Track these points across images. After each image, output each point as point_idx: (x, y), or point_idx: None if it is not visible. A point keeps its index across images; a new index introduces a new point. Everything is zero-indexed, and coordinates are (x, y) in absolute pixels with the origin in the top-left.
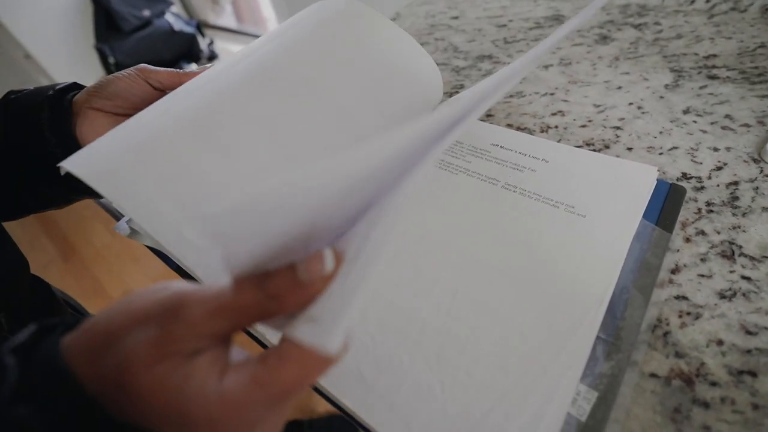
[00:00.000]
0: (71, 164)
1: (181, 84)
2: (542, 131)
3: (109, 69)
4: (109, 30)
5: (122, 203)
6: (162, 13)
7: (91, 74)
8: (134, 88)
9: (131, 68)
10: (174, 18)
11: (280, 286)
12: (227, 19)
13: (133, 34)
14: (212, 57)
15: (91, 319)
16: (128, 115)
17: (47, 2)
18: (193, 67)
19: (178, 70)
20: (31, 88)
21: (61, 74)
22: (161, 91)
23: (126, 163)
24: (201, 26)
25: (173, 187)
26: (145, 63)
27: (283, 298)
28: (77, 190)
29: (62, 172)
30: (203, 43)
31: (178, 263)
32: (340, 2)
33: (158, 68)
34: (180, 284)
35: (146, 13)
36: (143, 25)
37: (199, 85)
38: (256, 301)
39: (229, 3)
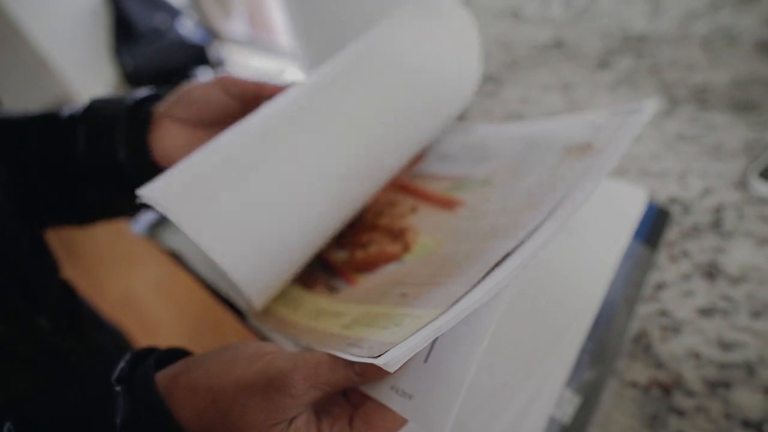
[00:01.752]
0: (148, 194)
1: (259, 95)
2: None
3: (126, 76)
4: (127, 38)
5: (197, 237)
6: (175, 22)
7: (104, 80)
8: (211, 98)
9: (212, 78)
10: (187, 28)
11: (364, 366)
12: (240, 28)
13: (149, 43)
14: (223, 66)
15: (185, 367)
16: (209, 126)
17: (64, 9)
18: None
19: (258, 80)
20: (113, 96)
21: (75, 80)
22: (241, 100)
23: (201, 195)
24: (213, 35)
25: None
26: (159, 70)
27: (366, 375)
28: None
29: (138, 201)
30: (215, 52)
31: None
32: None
33: (238, 78)
34: (279, 358)
35: (161, 22)
36: (156, 33)
37: (281, 110)
38: (347, 377)
39: (242, 12)
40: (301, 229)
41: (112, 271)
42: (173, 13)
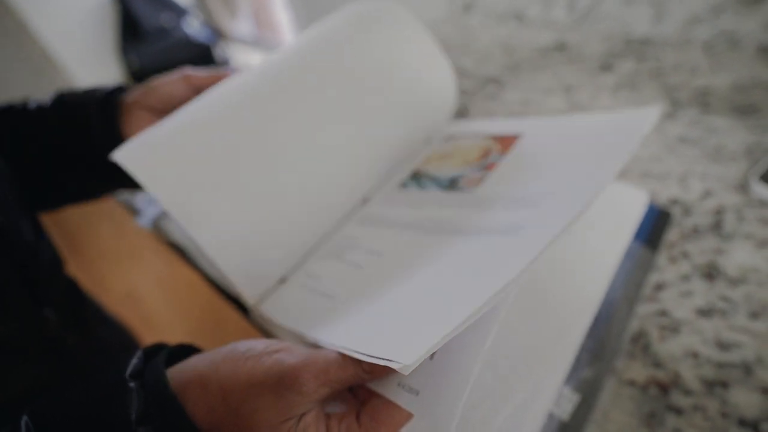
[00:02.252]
0: (121, 156)
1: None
2: None
3: (132, 74)
4: (133, 36)
5: (162, 196)
6: (180, 21)
7: (110, 78)
8: (175, 92)
9: (175, 73)
10: (193, 27)
11: (372, 364)
12: (245, 28)
13: (154, 42)
14: (229, 65)
15: (195, 364)
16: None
17: (71, 6)
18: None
19: (214, 72)
20: (83, 89)
21: (82, 78)
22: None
23: (166, 155)
24: (218, 34)
25: (213, 183)
26: (165, 69)
27: (374, 373)
28: (120, 182)
29: (117, 162)
30: (220, 52)
31: (199, 263)
32: (379, 5)
33: (200, 73)
34: (289, 355)
35: (167, 21)
36: (164, 33)
37: (230, 88)
38: (355, 374)
39: (247, 11)
40: (274, 198)
41: (115, 268)
42: (179, 12)
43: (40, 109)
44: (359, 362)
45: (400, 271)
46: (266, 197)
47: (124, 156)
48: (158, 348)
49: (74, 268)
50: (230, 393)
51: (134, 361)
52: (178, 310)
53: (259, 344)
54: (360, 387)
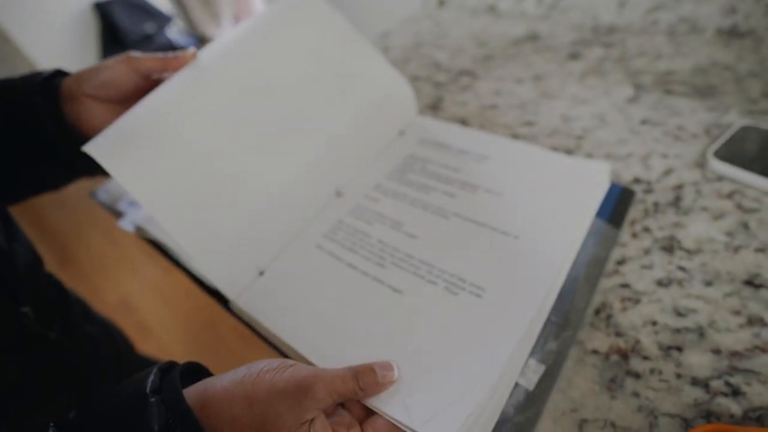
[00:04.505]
0: (93, 148)
1: (164, 69)
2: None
3: None
4: (114, 45)
5: (132, 188)
6: (163, 29)
7: None
8: (124, 78)
9: (118, 57)
10: (175, 33)
11: (367, 382)
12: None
13: (135, 48)
14: None
15: (214, 382)
16: (120, 103)
17: (53, 17)
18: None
19: (161, 55)
20: (17, 76)
21: None
22: (149, 78)
23: (136, 149)
24: (202, 41)
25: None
26: None
27: (366, 391)
28: (76, 170)
29: (91, 155)
30: None
31: (185, 263)
32: (311, 5)
33: (144, 55)
34: (302, 368)
35: (149, 28)
36: (146, 40)
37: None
38: (353, 389)
39: (230, 17)
40: (244, 191)
41: (109, 277)
42: (162, 19)
43: None
44: (356, 379)
45: (380, 272)
46: (235, 190)
47: (94, 149)
48: (171, 365)
49: (68, 280)
50: (256, 401)
51: (151, 378)
52: (173, 317)
53: (275, 362)
54: (355, 404)
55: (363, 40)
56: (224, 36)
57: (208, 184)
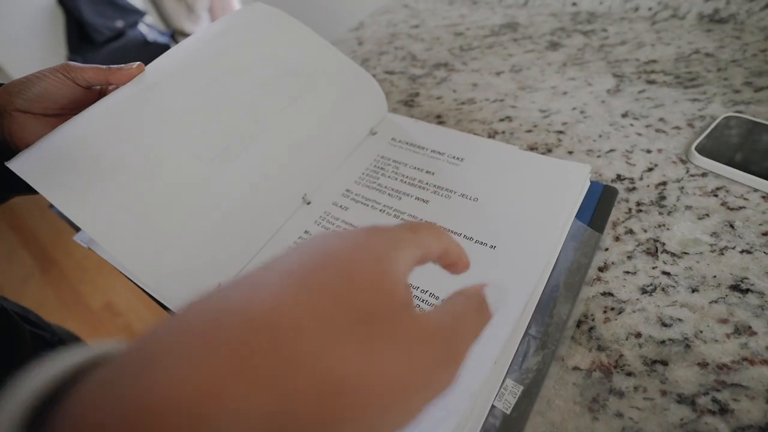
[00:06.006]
0: (17, 165)
1: (107, 82)
2: (490, 137)
3: None
4: (82, 41)
5: (62, 205)
6: (135, 24)
7: None
8: (61, 89)
9: (55, 67)
10: (148, 28)
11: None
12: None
13: (106, 46)
14: None
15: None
16: (57, 116)
17: (18, 14)
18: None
19: (103, 66)
20: None
21: None
22: (88, 89)
23: (64, 166)
24: (176, 35)
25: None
26: None
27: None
28: (12, 188)
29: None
30: None
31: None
32: (264, 12)
33: (83, 65)
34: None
35: (119, 24)
36: (116, 36)
37: (131, 93)
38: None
39: (206, 11)
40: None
41: (92, 283)
42: (134, 14)
43: None
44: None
45: None
46: (191, 205)
47: (18, 165)
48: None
49: (51, 287)
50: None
51: None
52: (159, 318)
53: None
54: None
55: (321, 40)
56: (177, 46)
57: (157, 201)
